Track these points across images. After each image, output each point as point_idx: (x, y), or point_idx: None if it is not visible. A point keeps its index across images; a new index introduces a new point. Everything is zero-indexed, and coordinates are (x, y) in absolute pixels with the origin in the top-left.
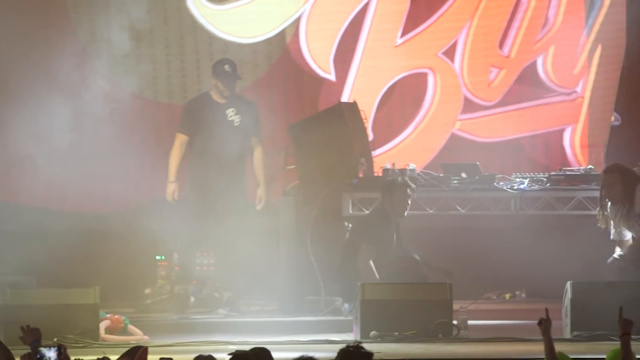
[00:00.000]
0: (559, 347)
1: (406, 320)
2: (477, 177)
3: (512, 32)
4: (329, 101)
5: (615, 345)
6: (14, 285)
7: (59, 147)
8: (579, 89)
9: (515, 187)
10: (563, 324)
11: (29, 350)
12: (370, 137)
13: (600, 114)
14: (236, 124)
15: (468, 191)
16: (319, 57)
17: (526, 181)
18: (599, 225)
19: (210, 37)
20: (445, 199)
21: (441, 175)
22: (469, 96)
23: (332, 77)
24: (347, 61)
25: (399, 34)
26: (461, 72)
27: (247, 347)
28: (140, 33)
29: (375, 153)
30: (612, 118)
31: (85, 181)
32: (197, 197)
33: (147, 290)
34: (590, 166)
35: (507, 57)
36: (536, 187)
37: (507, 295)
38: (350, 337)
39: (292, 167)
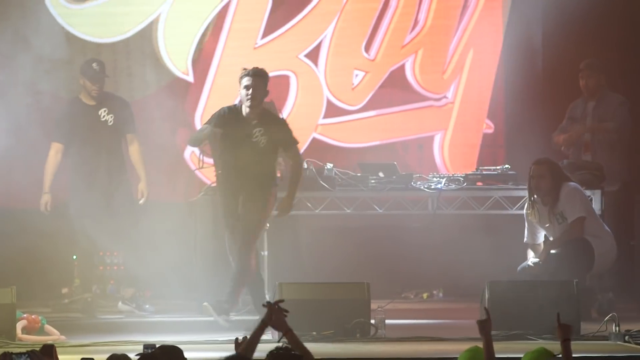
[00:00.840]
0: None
1: (324, 319)
2: (394, 177)
3: (379, 35)
4: (190, 102)
5: (533, 344)
6: None
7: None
8: (449, 94)
9: (432, 187)
10: None
11: None
12: None
13: (471, 121)
14: (110, 124)
15: (385, 191)
16: (176, 58)
17: (443, 180)
18: (529, 218)
19: (68, 37)
20: (363, 199)
21: (359, 174)
22: (332, 100)
23: (189, 78)
24: (207, 62)
25: (260, 35)
26: (324, 75)
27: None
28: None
29: None
30: (484, 125)
31: (1, 177)
32: (82, 203)
33: (64, 290)
34: (507, 165)
35: (373, 60)
36: (453, 186)
37: (425, 295)
38: (268, 336)
39: (208, 167)
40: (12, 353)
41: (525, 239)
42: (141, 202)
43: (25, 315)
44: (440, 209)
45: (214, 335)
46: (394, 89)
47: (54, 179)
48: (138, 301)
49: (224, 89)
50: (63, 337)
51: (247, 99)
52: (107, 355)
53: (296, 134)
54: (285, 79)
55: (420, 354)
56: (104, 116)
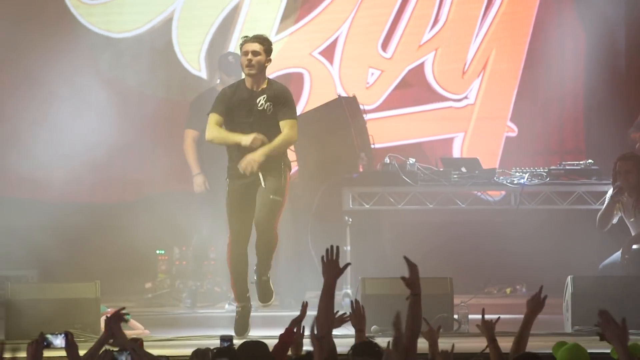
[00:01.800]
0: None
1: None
2: (477, 172)
3: (397, 32)
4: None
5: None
6: (15, 279)
7: (58, 139)
8: (470, 95)
9: (515, 182)
10: (564, 319)
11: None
12: None
13: (492, 123)
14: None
15: (468, 185)
16: (189, 54)
17: (526, 176)
18: (614, 213)
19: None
20: (446, 194)
21: (441, 169)
22: None
23: (203, 74)
24: None
25: (274, 31)
26: (339, 73)
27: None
28: None
29: None
30: (506, 129)
31: (85, 173)
32: (211, 193)
33: (148, 285)
34: (590, 160)
35: (389, 58)
36: (536, 181)
37: (508, 290)
38: (351, 331)
39: (292, 161)
40: (112, 350)
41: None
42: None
43: (109, 309)
44: (523, 204)
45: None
46: (413, 88)
47: (143, 173)
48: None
49: None
50: (147, 331)
51: (247, 66)
52: (190, 350)
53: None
54: (299, 77)
55: (503, 349)
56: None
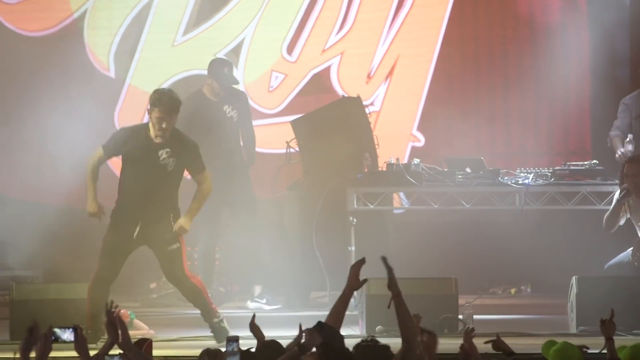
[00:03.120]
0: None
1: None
2: (481, 172)
3: (303, 35)
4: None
5: (622, 340)
6: (20, 280)
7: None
8: (376, 101)
9: (519, 182)
10: (569, 319)
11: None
12: None
13: (396, 132)
14: (235, 120)
15: (473, 186)
16: (96, 53)
17: (531, 176)
18: (621, 215)
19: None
20: (450, 194)
21: (445, 170)
22: (250, 103)
23: (111, 74)
24: (128, 59)
25: (181, 31)
26: (243, 75)
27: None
28: None
29: None
30: (411, 138)
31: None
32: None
33: (153, 285)
34: (594, 161)
35: (294, 62)
36: (541, 182)
37: (513, 290)
38: (356, 331)
39: (296, 161)
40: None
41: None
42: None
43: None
44: (528, 204)
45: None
46: (317, 93)
47: None
48: (267, 297)
49: (141, 87)
50: (152, 331)
51: (159, 130)
52: (196, 350)
53: None
54: (203, 79)
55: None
56: (229, 112)
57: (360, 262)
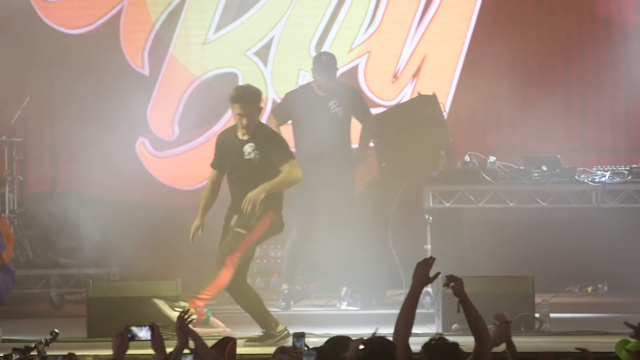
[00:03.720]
0: None
1: (487, 313)
2: (557, 170)
3: (331, 34)
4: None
5: None
6: (96, 278)
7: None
8: (403, 101)
9: (596, 180)
10: None
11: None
12: (176, 133)
13: None
14: (340, 116)
15: (549, 184)
16: (132, 52)
17: (607, 174)
18: None
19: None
20: (526, 192)
21: (522, 168)
22: (278, 100)
23: (145, 72)
24: (162, 56)
25: (212, 29)
26: (271, 74)
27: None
28: None
29: (180, 150)
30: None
31: (166, 173)
32: (303, 191)
33: None
34: None
35: None
36: (617, 179)
37: (589, 288)
38: (432, 329)
39: (372, 159)
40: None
41: None
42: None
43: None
44: (605, 202)
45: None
46: None
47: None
48: (348, 299)
49: (172, 85)
50: (228, 329)
51: (241, 127)
52: (271, 348)
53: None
54: (232, 77)
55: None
56: (333, 108)
57: (427, 260)
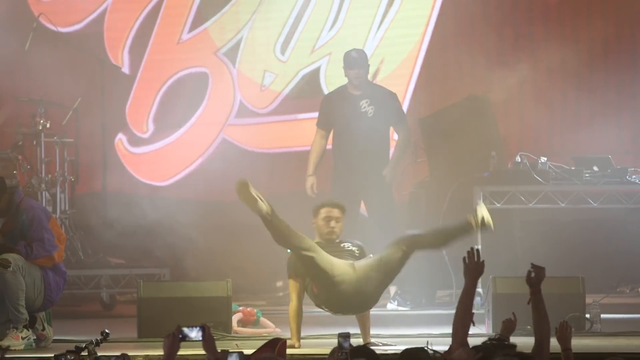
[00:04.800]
0: None
1: None
2: (609, 170)
3: (295, 35)
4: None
5: None
6: (147, 278)
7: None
8: None
9: None
10: None
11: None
12: (151, 130)
13: None
14: (370, 115)
15: (600, 184)
16: (113, 49)
17: None
18: None
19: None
20: (577, 192)
21: (573, 168)
22: (243, 101)
23: (125, 69)
24: (141, 54)
25: (186, 30)
26: (237, 74)
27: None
28: None
29: (153, 147)
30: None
31: (216, 173)
32: (341, 190)
33: (279, 283)
34: None
35: (285, 62)
36: None
37: None
38: (482, 330)
39: (422, 160)
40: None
41: None
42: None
43: (241, 308)
44: None
45: (428, 329)
46: (306, 94)
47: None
48: (398, 299)
49: (149, 83)
50: (278, 329)
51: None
52: (324, 349)
53: (205, 134)
54: (203, 76)
55: (635, 349)
56: (364, 107)
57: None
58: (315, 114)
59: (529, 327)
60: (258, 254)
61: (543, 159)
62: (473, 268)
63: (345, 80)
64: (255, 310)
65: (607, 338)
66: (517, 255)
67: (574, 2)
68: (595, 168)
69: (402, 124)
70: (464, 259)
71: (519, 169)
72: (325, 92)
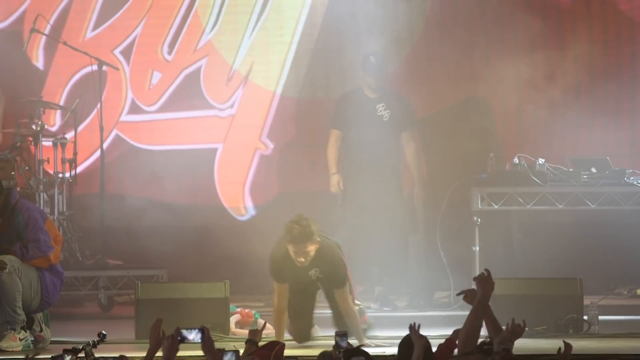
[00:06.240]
0: None
1: (536, 315)
2: (607, 172)
3: (181, 35)
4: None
5: None
6: (145, 279)
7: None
8: (234, 105)
9: None
10: None
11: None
12: (57, 125)
13: (245, 137)
14: (385, 119)
15: (598, 186)
16: (31, 47)
17: None
18: None
19: None
20: (575, 194)
21: (571, 170)
22: (134, 99)
23: (40, 65)
24: (54, 50)
25: (90, 27)
26: (129, 72)
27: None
28: None
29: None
30: (261, 145)
31: (214, 176)
32: (350, 194)
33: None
34: None
35: (170, 61)
36: None
37: (639, 291)
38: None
39: (421, 161)
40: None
41: None
42: (418, 206)
43: (238, 309)
44: None
45: (426, 330)
46: (189, 94)
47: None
48: (381, 299)
49: (58, 78)
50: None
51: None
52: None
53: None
54: (104, 74)
55: (634, 351)
56: (380, 111)
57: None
58: (196, 113)
59: (526, 328)
60: (256, 255)
61: (541, 161)
62: (484, 282)
63: (345, 81)
64: (253, 311)
65: (605, 340)
66: (515, 256)
67: (574, 3)
68: (594, 169)
69: (413, 131)
70: (475, 278)
71: (517, 170)
72: (205, 93)
